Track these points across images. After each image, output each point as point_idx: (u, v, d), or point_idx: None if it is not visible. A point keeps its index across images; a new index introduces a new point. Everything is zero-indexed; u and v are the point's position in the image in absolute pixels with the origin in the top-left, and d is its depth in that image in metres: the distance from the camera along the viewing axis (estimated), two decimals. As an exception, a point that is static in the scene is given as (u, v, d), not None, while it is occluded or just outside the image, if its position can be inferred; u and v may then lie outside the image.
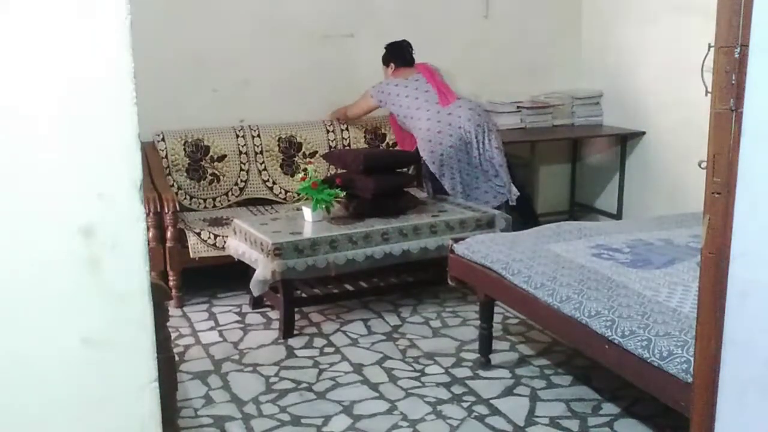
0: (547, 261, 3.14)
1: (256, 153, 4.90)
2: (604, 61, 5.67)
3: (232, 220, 4.24)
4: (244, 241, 4.03)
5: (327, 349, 3.76)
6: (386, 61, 4.95)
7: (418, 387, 3.36)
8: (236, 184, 4.84)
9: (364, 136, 5.19)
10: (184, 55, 4.75)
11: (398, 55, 4.92)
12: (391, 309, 4.26)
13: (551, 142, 5.70)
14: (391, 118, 4.94)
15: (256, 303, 4.27)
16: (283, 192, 4.93)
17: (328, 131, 5.11)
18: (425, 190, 4.94)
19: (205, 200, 4.76)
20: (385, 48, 4.94)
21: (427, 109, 4.69)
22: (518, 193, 4.71)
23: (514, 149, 5.03)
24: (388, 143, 5.24)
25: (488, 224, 4.24)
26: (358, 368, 3.54)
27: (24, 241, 1.22)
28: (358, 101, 4.95)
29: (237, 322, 4.13)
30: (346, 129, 5.15)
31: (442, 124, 4.63)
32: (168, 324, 2.41)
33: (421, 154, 4.66)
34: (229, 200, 4.82)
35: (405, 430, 3.01)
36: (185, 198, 4.69)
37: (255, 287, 3.85)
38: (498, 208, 4.54)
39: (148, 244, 1.49)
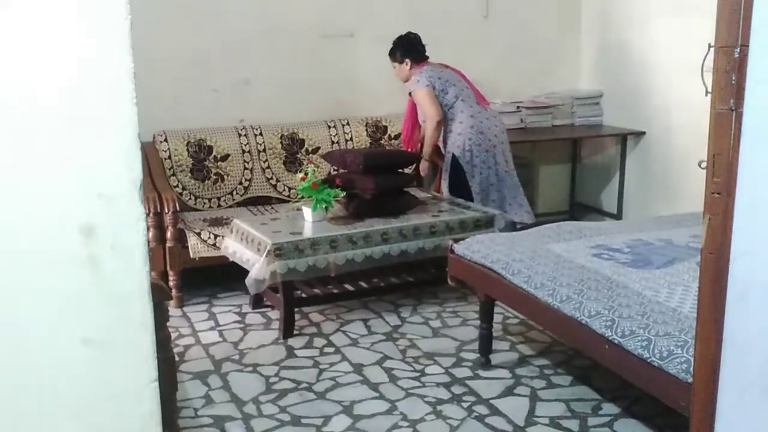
0: (547, 261, 3.15)
1: (259, 151, 4.90)
2: (604, 61, 5.67)
3: (232, 220, 4.24)
4: (240, 241, 4.03)
5: (327, 349, 3.76)
6: (400, 58, 4.72)
7: (418, 387, 3.36)
8: (240, 183, 4.84)
9: (366, 130, 5.19)
10: (184, 55, 4.76)
11: (412, 49, 4.72)
12: (391, 309, 4.26)
13: (551, 142, 5.70)
14: (409, 106, 4.83)
15: (256, 303, 4.27)
16: (286, 189, 4.94)
17: (329, 127, 5.12)
18: (434, 188, 4.94)
19: (210, 200, 4.76)
20: (395, 44, 4.73)
21: (470, 105, 4.65)
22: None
23: (514, 149, 5.03)
24: (390, 135, 5.24)
25: (488, 224, 4.24)
26: (358, 368, 3.54)
27: (24, 241, 1.22)
28: (423, 107, 4.62)
29: (237, 322, 4.13)
30: (348, 124, 5.16)
31: (483, 125, 4.61)
32: (168, 324, 2.41)
33: (452, 149, 4.60)
34: (234, 199, 4.82)
35: (405, 430, 3.01)
36: (190, 198, 4.70)
37: (251, 286, 3.85)
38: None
39: (148, 244, 1.49)
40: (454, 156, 4.61)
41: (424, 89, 4.60)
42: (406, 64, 4.71)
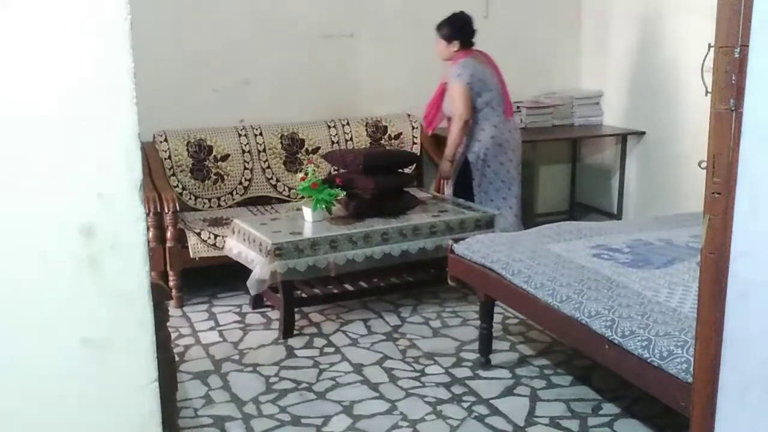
0: (547, 261, 3.15)
1: (259, 151, 4.90)
2: (604, 61, 5.67)
3: (232, 220, 4.24)
4: (243, 241, 4.03)
5: (327, 349, 3.76)
6: (449, 36, 4.48)
7: (418, 387, 3.36)
8: (240, 183, 4.84)
9: (366, 130, 5.19)
10: (184, 55, 4.76)
11: (466, 32, 4.48)
12: (391, 309, 4.26)
13: (551, 142, 5.70)
14: (439, 91, 4.65)
15: (256, 303, 4.27)
16: (286, 189, 4.94)
17: (329, 127, 5.12)
18: (434, 188, 4.93)
19: (210, 200, 4.76)
20: (450, 21, 4.49)
21: (497, 115, 4.52)
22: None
23: (514, 149, 5.04)
24: (390, 135, 5.24)
25: (488, 224, 4.24)
26: (358, 368, 3.54)
27: (24, 240, 1.22)
28: (455, 102, 4.44)
29: (237, 322, 4.12)
30: (348, 124, 5.16)
31: (503, 137, 4.52)
32: (168, 324, 2.41)
33: (467, 153, 4.51)
34: (234, 199, 4.82)
35: (405, 430, 3.01)
36: (190, 198, 4.69)
37: (252, 286, 3.85)
38: None
39: (148, 244, 1.49)
40: (467, 160, 4.54)
41: (463, 86, 4.41)
42: (454, 46, 4.49)
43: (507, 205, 4.61)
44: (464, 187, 4.60)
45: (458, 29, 4.51)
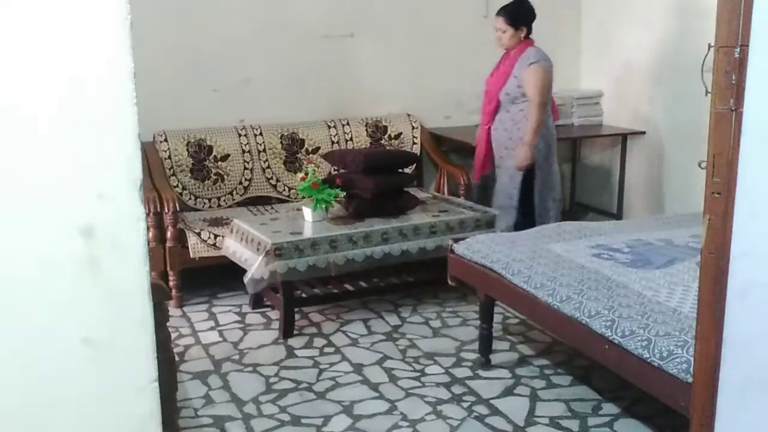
0: (547, 261, 3.15)
1: (259, 151, 4.90)
2: (604, 61, 5.67)
3: (232, 220, 4.24)
4: (241, 240, 4.03)
5: (327, 349, 3.76)
6: (519, 22, 4.25)
7: (418, 387, 3.36)
8: (240, 183, 4.84)
9: (366, 130, 5.19)
10: (184, 55, 4.76)
11: (531, 22, 4.28)
12: (391, 309, 4.26)
13: (551, 142, 5.69)
14: (504, 69, 4.36)
15: (256, 303, 4.27)
16: (286, 189, 4.94)
17: (329, 127, 5.11)
18: (434, 188, 4.91)
19: (210, 200, 4.76)
20: (520, 5, 4.27)
21: (549, 113, 4.38)
22: None
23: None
24: (390, 135, 5.24)
25: (488, 224, 4.24)
26: (358, 368, 3.54)
27: (24, 241, 1.22)
28: (535, 87, 4.19)
29: (237, 322, 4.13)
30: (348, 124, 5.16)
31: (554, 137, 4.40)
32: (168, 324, 2.41)
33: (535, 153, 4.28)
34: (234, 199, 4.82)
35: (405, 430, 3.01)
36: (190, 198, 4.69)
37: (249, 286, 3.85)
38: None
39: (148, 244, 1.49)
40: (535, 161, 4.31)
41: (546, 71, 4.26)
42: (521, 32, 4.27)
43: (549, 207, 4.43)
44: (523, 187, 4.36)
45: (529, 19, 4.30)
